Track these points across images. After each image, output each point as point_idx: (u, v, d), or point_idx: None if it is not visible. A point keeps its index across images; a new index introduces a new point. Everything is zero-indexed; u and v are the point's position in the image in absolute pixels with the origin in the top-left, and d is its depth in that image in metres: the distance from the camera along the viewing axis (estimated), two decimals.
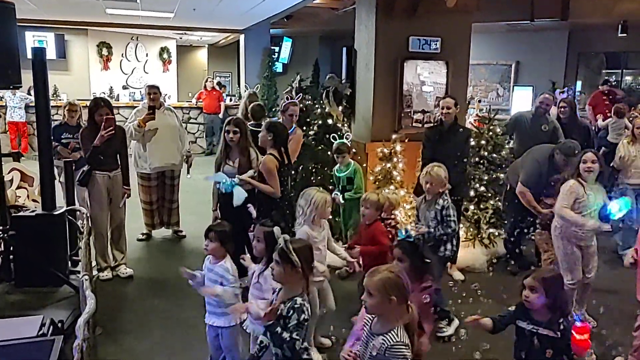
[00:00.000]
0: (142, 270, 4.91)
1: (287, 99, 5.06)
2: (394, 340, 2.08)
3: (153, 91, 5.42)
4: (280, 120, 4.75)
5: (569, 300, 2.74)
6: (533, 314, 2.53)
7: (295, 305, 2.32)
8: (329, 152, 5.34)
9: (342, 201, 4.56)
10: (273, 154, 3.90)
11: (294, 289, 2.39)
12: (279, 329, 2.32)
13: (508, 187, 5.03)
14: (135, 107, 5.91)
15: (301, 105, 5.84)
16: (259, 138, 4.06)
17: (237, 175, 3.94)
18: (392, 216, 4.26)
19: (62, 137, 5.31)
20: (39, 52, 4.03)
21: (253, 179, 3.94)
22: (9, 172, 5.27)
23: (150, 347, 3.58)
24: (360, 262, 3.49)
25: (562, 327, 2.47)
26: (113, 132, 4.37)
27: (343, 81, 5.88)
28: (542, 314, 2.51)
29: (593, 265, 3.81)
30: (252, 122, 5.17)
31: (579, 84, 12.74)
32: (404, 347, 2.07)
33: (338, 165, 5.01)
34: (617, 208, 3.54)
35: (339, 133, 5.44)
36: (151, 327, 3.86)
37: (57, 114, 10.65)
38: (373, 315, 2.22)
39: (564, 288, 2.67)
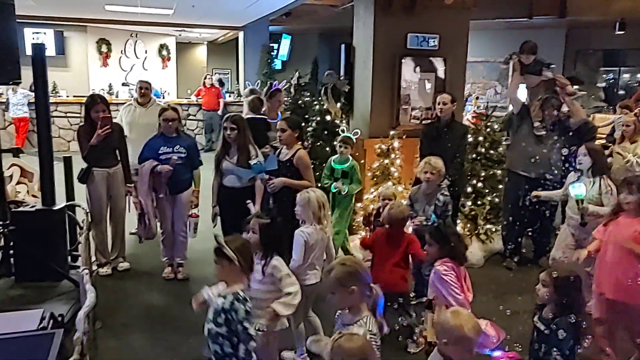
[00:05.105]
0: (141, 265, 4.93)
1: (271, 85, 5.03)
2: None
3: (145, 86, 5.57)
4: (266, 106, 4.73)
5: (584, 305, 2.65)
6: (542, 309, 2.56)
7: (239, 297, 2.29)
8: (327, 148, 5.36)
9: (346, 189, 4.60)
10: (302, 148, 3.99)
11: (236, 284, 2.36)
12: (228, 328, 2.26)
13: (507, 180, 5.07)
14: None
15: (300, 102, 5.85)
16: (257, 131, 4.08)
17: (279, 179, 3.90)
18: None
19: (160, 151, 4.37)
20: (39, 49, 4.05)
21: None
22: (9, 168, 5.29)
23: (150, 341, 3.61)
24: None
25: (553, 326, 2.44)
26: (110, 130, 4.38)
27: (341, 78, 5.89)
28: (548, 311, 2.51)
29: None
30: (250, 115, 5.17)
31: None
32: (372, 336, 2.15)
33: (338, 155, 4.86)
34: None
35: (346, 127, 5.40)
36: (151, 321, 3.89)
37: (56, 110, 10.79)
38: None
39: (580, 290, 2.52)
